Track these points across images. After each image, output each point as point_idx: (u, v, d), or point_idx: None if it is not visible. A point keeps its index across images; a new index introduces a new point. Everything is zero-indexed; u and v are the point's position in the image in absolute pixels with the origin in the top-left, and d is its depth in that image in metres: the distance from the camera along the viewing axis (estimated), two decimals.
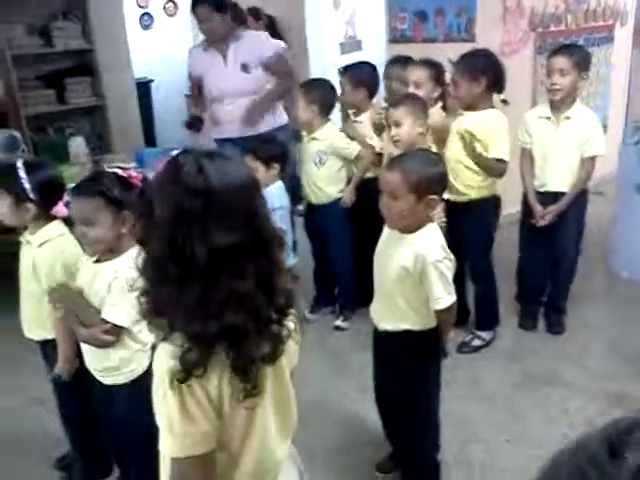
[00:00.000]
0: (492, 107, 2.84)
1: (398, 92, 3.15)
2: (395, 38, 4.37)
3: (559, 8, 4.44)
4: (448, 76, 3.04)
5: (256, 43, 3.52)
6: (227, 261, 1.00)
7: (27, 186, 1.93)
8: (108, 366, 1.85)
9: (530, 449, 2.36)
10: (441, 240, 1.92)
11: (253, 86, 3.47)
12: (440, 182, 1.94)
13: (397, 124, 2.63)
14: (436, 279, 1.86)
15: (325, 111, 3.15)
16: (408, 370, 2.04)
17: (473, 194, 2.85)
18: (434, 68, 3.03)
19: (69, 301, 1.82)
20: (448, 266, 1.89)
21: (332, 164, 3.17)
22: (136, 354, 1.83)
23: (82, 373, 1.98)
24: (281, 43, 4.15)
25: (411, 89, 2.98)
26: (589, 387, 2.70)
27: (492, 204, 2.95)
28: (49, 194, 1.99)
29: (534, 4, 4.24)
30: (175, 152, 1.07)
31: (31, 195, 1.94)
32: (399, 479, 2.25)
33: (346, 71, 3.42)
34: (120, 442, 2.01)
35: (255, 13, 4.80)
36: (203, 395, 1.03)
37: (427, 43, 4.12)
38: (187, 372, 1.00)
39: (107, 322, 1.77)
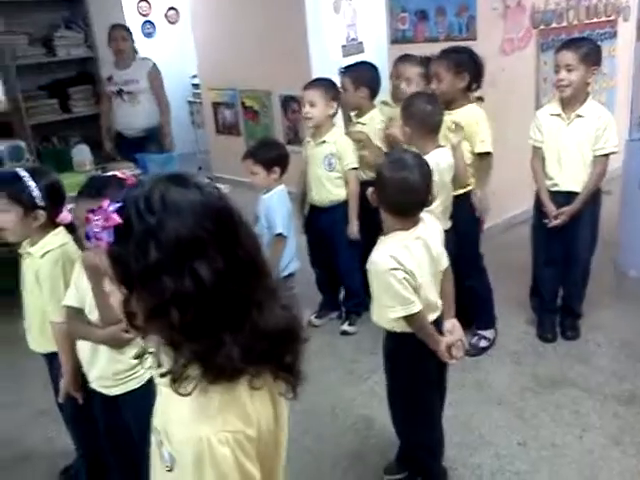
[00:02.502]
0: (470, 102, 2.84)
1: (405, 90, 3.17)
2: (396, 39, 4.35)
3: (560, 5, 4.41)
4: None
5: None
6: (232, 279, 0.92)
7: (36, 193, 1.92)
8: (120, 369, 1.83)
9: (542, 452, 2.34)
10: (396, 250, 1.85)
11: None
12: (389, 188, 1.87)
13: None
14: (382, 289, 1.87)
15: (336, 111, 3.14)
16: (393, 369, 2.07)
17: (460, 190, 2.82)
18: (425, 65, 3.06)
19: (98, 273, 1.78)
20: (398, 278, 1.84)
21: (340, 167, 3.15)
22: (147, 353, 1.82)
23: (84, 388, 1.97)
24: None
25: (403, 85, 3.05)
26: (600, 388, 2.67)
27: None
28: (56, 199, 1.98)
29: (535, 1, 4.22)
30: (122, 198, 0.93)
31: (41, 202, 1.93)
32: None
33: (346, 71, 3.41)
34: (128, 454, 2.00)
35: None
36: (248, 445, 0.92)
37: (428, 42, 4.09)
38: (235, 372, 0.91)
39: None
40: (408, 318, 1.89)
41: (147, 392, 1.82)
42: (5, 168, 3.55)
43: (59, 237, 1.99)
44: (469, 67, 2.78)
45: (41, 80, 4.94)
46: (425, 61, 3.13)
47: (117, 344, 1.80)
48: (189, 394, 0.91)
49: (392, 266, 1.84)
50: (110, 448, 2.02)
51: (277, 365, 0.98)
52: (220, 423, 0.90)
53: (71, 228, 1.97)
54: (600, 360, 2.88)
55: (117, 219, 0.89)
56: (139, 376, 1.84)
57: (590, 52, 2.79)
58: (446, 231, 2.50)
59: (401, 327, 1.95)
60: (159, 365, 0.97)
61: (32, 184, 1.92)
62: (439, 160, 2.49)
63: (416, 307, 1.89)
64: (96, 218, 0.91)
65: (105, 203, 0.91)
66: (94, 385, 1.90)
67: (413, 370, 2.03)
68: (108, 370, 1.86)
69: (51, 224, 1.99)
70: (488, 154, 2.83)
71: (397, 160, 1.98)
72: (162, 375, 0.93)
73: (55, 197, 1.98)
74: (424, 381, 2.06)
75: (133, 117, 4.59)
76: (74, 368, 1.98)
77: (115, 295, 0.94)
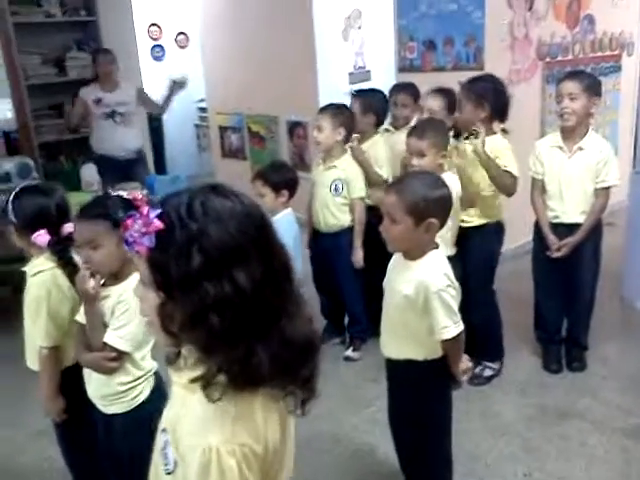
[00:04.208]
0: (494, 133, 2.84)
1: (400, 117, 3.27)
2: (404, 67, 4.41)
3: (566, 38, 4.48)
4: None
5: None
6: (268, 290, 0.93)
7: (9, 208, 1.91)
8: (107, 393, 1.81)
9: None
10: (445, 267, 1.88)
11: None
12: (440, 205, 1.87)
13: (420, 154, 2.57)
14: (439, 308, 1.83)
15: (348, 137, 3.16)
16: (412, 400, 2.01)
17: (478, 220, 2.84)
18: (448, 97, 3.10)
19: (93, 302, 1.76)
20: (452, 294, 1.85)
21: (347, 193, 3.16)
22: (138, 381, 1.80)
23: (79, 407, 1.93)
24: None
25: (425, 116, 3.06)
26: (607, 421, 2.63)
27: (496, 230, 2.93)
28: (31, 221, 1.92)
29: (541, 34, 4.28)
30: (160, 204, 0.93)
31: (12, 218, 1.92)
32: None
33: (358, 95, 3.44)
34: (121, 474, 1.96)
35: None
36: (254, 460, 0.93)
37: (436, 72, 4.15)
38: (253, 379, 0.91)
39: (109, 346, 1.74)
40: (454, 338, 1.86)
41: (136, 417, 1.80)
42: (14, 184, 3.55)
43: (50, 260, 1.95)
44: (491, 98, 2.77)
45: (51, 100, 4.99)
46: (447, 93, 3.15)
47: (100, 371, 1.79)
48: (219, 399, 0.91)
49: (447, 283, 1.84)
50: (108, 465, 1.99)
51: (293, 378, 0.98)
52: (230, 434, 0.91)
53: (61, 249, 1.93)
54: (606, 393, 2.84)
55: (158, 225, 0.89)
56: (126, 401, 1.82)
57: (592, 84, 2.84)
58: (450, 257, 2.51)
59: (431, 353, 1.92)
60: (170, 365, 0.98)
61: (10, 199, 1.92)
62: (451, 184, 2.50)
63: (462, 324, 1.88)
64: (136, 224, 0.90)
65: (144, 209, 0.90)
66: (93, 400, 1.88)
67: (443, 397, 2.01)
68: (97, 391, 1.85)
69: (32, 244, 1.94)
70: (512, 176, 2.79)
71: (441, 179, 2.01)
72: (193, 381, 0.93)
73: (30, 219, 1.92)
74: (450, 407, 2.04)
75: (127, 138, 4.62)
76: (53, 393, 1.96)
77: (148, 301, 0.94)
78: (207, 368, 0.92)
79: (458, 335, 1.87)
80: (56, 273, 1.93)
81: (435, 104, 3.07)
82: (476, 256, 2.83)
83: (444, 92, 3.15)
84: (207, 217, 0.89)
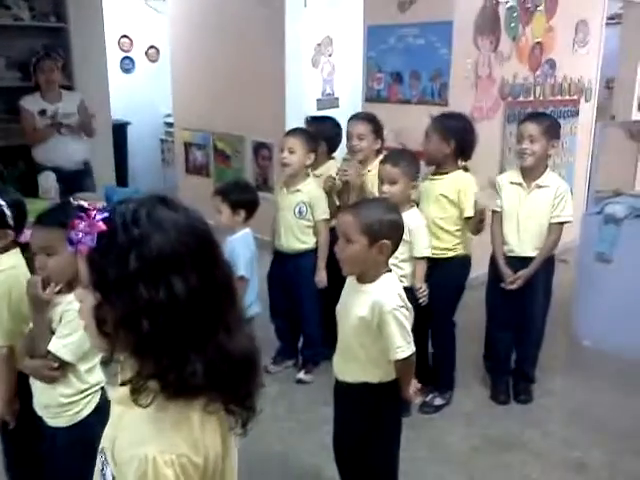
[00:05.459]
0: (458, 169, 2.92)
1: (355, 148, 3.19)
2: (371, 97, 4.49)
3: (528, 80, 4.65)
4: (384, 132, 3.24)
5: None
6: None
7: (7, 212, 1.90)
8: (49, 404, 1.78)
9: None
10: (398, 289, 1.93)
11: None
12: (393, 228, 1.94)
13: (392, 182, 2.64)
14: (395, 328, 1.87)
15: (312, 163, 3.20)
16: (365, 423, 2.01)
17: (448, 253, 2.90)
18: (374, 123, 3.18)
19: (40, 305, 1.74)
20: (405, 315, 1.89)
21: (311, 216, 3.18)
22: (81, 395, 1.77)
23: (27, 417, 1.88)
24: None
25: (355, 142, 3.14)
26: (550, 454, 2.68)
27: (463, 264, 2.99)
28: (20, 219, 1.96)
29: (504, 74, 4.43)
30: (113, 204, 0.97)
31: (11, 222, 1.91)
32: None
33: (311, 122, 3.49)
34: None
35: None
36: (192, 471, 0.91)
37: (402, 104, 4.24)
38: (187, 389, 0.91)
39: (52, 354, 1.71)
40: (407, 358, 1.90)
41: (79, 434, 1.75)
42: None
43: (12, 258, 1.95)
44: (456, 135, 2.86)
45: (12, 104, 4.88)
46: (372, 118, 3.22)
47: (40, 378, 1.76)
48: (147, 405, 0.91)
49: (400, 303, 1.88)
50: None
51: (232, 396, 0.98)
52: (167, 444, 0.90)
53: (26, 249, 1.92)
54: (551, 426, 2.90)
55: (102, 226, 0.92)
56: (69, 415, 1.78)
57: (551, 126, 2.95)
58: (409, 289, 2.55)
59: (385, 376, 1.95)
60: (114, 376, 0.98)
61: (3, 203, 1.90)
62: (411, 220, 2.56)
63: (414, 345, 1.91)
64: (81, 225, 0.93)
65: (92, 212, 0.93)
66: (37, 411, 1.83)
67: (394, 421, 2.03)
68: (40, 401, 1.81)
69: (9, 244, 1.94)
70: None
71: (394, 205, 2.09)
72: (123, 383, 0.94)
73: (19, 217, 1.95)
74: (399, 432, 2.06)
75: (73, 150, 4.48)
76: (9, 393, 1.92)
77: (86, 302, 0.96)
78: (137, 372, 0.93)
79: (411, 355, 1.91)
80: (15, 272, 1.91)
81: (363, 129, 3.14)
82: (443, 287, 2.87)
83: (368, 117, 3.24)
84: (150, 225, 0.92)
